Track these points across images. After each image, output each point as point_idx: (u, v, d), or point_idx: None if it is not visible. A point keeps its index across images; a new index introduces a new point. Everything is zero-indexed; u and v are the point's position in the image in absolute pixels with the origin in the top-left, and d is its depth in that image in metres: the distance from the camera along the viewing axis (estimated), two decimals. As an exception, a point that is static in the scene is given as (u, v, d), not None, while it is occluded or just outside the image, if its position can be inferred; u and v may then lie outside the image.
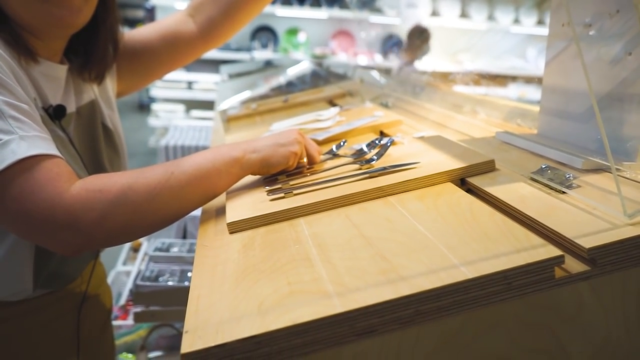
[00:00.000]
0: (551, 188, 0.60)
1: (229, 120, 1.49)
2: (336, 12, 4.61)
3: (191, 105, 4.55)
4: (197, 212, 0.76)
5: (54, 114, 0.76)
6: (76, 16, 0.74)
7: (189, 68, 4.61)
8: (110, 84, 0.97)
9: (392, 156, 0.79)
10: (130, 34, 0.99)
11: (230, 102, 1.67)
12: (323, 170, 0.77)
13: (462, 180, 0.70)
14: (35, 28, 0.74)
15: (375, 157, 0.75)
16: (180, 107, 4.53)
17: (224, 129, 1.41)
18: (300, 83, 1.87)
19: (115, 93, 0.99)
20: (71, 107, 0.83)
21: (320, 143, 1.01)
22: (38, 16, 0.71)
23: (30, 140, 0.62)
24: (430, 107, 1.21)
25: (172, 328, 1.36)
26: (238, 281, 0.52)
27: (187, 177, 0.66)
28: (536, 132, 0.85)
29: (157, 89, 4.64)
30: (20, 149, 0.61)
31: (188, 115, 4.54)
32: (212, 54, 4.45)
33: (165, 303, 1.23)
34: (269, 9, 4.58)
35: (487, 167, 0.70)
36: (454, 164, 0.71)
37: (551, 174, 0.62)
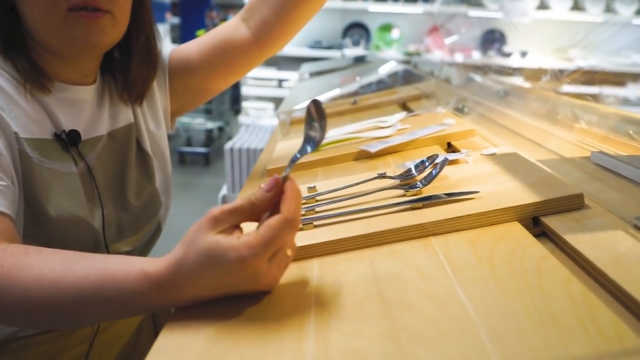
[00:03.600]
0: (665, 245, 0.42)
1: (292, 123, 1.39)
2: (432, 6, 4.37)
3: (280, 103, 4.55)
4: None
5: (69, 140, 0.70)
6: (101, 38, 0.69)
7: (279, 66, 4.60)
8: (162, 103, 0.89)
9: (449, 179, 0.63)
10: (181, 49, 0.91)
11: (289, 105, 1.57)
12: (358, 195, 0.62)
13: (535, 219, 0.52)
14: (60, 50, 0.70)
15: (420, 184, 0.59)
16: (270, 105, 4.53)
17: (285, 132, 1.32)
18: (376, 84, 1.71)
19: (168, 113, 0.92)
20: (101, 130, 0.76)
21: (373, 155, 0.87)
22: (62, 38, 0.67)
23: None
24: (514, 114, 1.01)
25: None
26: (207, 348, 0.40)
27: (86, 303, 0.48)
28: (650, 153, 0.64)
29: (248, 87, 4.67)
30: None
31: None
32: (302, 51, 4.40)
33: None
34: (361, 4, 4.43)
35: (573, 204, 0.52)
36: (526, 196, 0.53)
37: (666, 223, 0.43)
